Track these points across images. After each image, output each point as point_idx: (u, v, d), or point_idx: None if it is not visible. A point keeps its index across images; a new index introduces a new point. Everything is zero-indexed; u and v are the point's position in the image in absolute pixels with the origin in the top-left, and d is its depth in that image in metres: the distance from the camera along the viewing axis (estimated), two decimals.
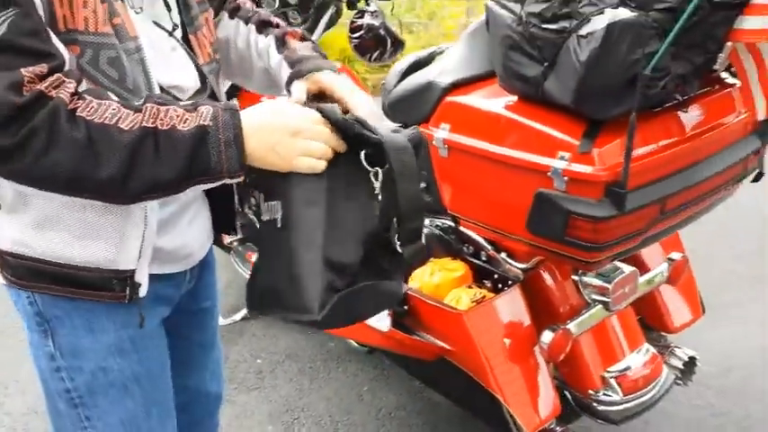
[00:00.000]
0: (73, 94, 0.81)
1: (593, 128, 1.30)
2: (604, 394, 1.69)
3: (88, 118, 0.80)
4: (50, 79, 0.80)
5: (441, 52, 1.71)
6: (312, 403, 2.21)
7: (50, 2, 0.82)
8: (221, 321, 2.57)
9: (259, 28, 1.12)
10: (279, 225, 0.93)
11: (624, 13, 1.15)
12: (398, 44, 2.62)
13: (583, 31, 1.19)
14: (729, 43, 1.26)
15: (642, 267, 1.81)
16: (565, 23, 1.22)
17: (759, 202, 3.33)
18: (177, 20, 1.00)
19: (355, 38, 2.64)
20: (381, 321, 1.65)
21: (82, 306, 0.98)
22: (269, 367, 2.38)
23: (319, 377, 2.33)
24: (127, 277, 0.97)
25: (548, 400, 1.62)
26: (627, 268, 1.64)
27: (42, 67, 0.80)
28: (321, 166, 0.89)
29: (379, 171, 0.89)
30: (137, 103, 0.84)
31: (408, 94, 1.62)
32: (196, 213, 1.08)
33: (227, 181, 0.88)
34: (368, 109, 0.96)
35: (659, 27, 1.15)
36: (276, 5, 2.61)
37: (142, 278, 0.98)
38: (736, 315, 2.57)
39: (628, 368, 1.71)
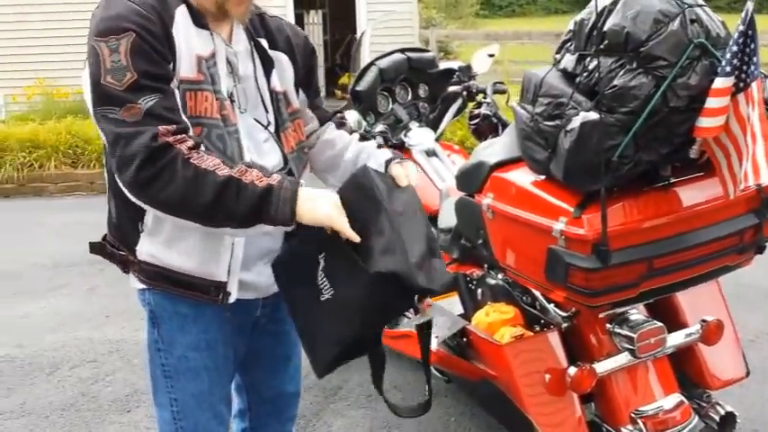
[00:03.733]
0: (190, 148, 1.26)
1: (586, 199, 1.67)
2: (632, 431, 1.96)
3: (196, 164, 1.25)
4: (178, 136, 1.26)
5: None
6: (407, 424, 2.64)
7: (184, 97, 1.35)
8: None
9: (361, 138, 1.68)
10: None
11: (593, 115, 1.55)
12: None
13: (568, 127, 1.60)
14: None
15: (678, 324, 2.07)
16: (557, 121, 1.63)
17: None
18: (272, 119, 1.53)
19: (473, 124, 3.15)
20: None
21: (180, 312, 1.49)
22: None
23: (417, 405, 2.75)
24: (221, 286, 1.44)
25: (574, 427, 1.93)
26: (654, 323, 1.94)
27: (172, 127, 1.26)
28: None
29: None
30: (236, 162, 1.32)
31: (469, 169, 2.08)
32: (272, 259, 1.54)
33: (282, 228, 1.30)
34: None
35: (622, 125, 1.53)
36: (409, 98, 3.19)
37: (232, 289, 1.46)
38: None
39: (655, 410, 1.96)
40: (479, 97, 3.18)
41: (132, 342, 3.41)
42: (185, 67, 1.36)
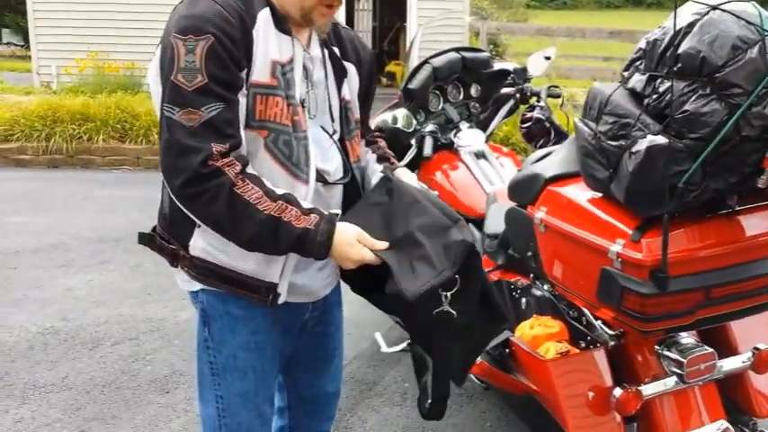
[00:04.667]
0: (237, 174, 1.28)
1: (646, 223, 1.63)
2: None
3: (239, 194, 1.28)
4: (226, 160, 1.27)
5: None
6: (442, 426, 2.63)
7: (254, 101, 1.35)
8: (386, 349, 3.11)
9: (379, 158, 1.68)
10: None
11: (661, 139, 1.51)
12: (562, 135, 3.02)
13: (633, 149, 1.56)
14: None
15: (729, 350, 2.02)
16: (622, 142, 1.60)
17: None
18: (337, 128, 1.54)
19: (524, 127, 3.11)
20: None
21: (231, 313, 1.50)
22: (413, 392, 2.86)
23: (452, 407, 2.75)
24: (272, 287, 1.45)
25: None
26: (705, 348, 1.90)
27: (225, 146, 1.28)
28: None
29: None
30: (278, 193, 1.33)
31: (523, 180, 2.06)
32: (325, 264, 1.56)
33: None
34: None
35: (690, 151, 1.49)
36: (460, 98, 3.16)
37: (282, 290, 1.47)
38: None
39: None
40: (533, 100, 3.14)
41: (173, 322, 3.46)
42: (259, 71, 1.36)
